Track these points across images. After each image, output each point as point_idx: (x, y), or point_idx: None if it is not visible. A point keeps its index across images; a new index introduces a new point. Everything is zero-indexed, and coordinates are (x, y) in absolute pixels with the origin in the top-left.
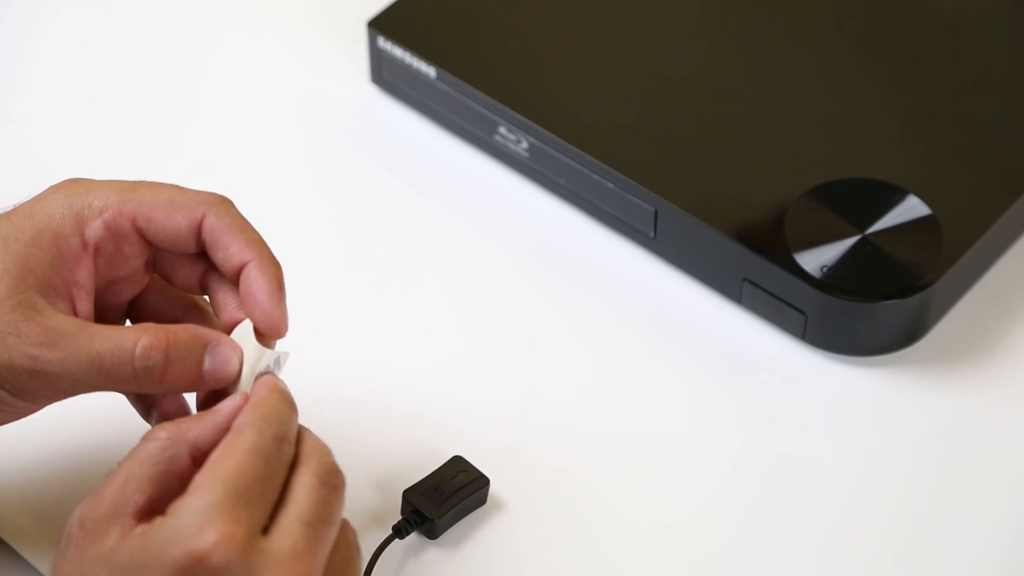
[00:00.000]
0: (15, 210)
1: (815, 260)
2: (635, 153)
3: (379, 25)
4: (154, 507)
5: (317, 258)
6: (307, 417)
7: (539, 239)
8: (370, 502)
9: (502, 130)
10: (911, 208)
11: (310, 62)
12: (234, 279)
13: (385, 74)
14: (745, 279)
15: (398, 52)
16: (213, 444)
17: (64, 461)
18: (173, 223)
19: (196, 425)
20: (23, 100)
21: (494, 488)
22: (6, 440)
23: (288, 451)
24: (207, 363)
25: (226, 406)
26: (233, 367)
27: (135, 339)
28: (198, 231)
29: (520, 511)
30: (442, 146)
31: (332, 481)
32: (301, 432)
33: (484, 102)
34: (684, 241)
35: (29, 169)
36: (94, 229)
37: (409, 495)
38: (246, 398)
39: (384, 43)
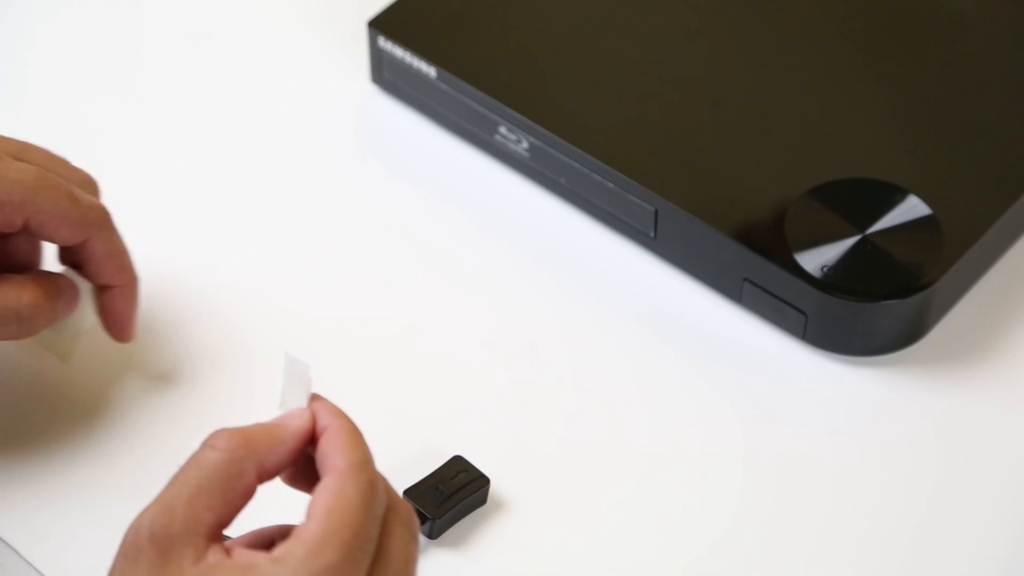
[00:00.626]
0: None
1: (815, 260)
2: (635, 153)
3: (379, 25)
4: (222, 524)
5: (317, 257)
6: None
7: (539, 239)
8: None
9: (502, 130)
10: (911, 208)
11: (310, 62)
12: (99, 286)
13: (385, 74)
14: (745, 279)
15: (398, 52)
16: (281, 466)
17: (64, 461)
18: (59, 235)
19: (265, 442)
20: (23, 100)
21: (494, 488)
22: (6, 440)
23: (382, 498)
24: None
25: (293, 426)
26: (126, 318)
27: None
28: (79, 245)
29: (520, 511)
30: (442, 146)
31: (416, 533)
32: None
33: (484, 102)
34: (684, 241)
35: None
36: None
37: (409, 495)
38: (309, 417)
39: (384, 43)
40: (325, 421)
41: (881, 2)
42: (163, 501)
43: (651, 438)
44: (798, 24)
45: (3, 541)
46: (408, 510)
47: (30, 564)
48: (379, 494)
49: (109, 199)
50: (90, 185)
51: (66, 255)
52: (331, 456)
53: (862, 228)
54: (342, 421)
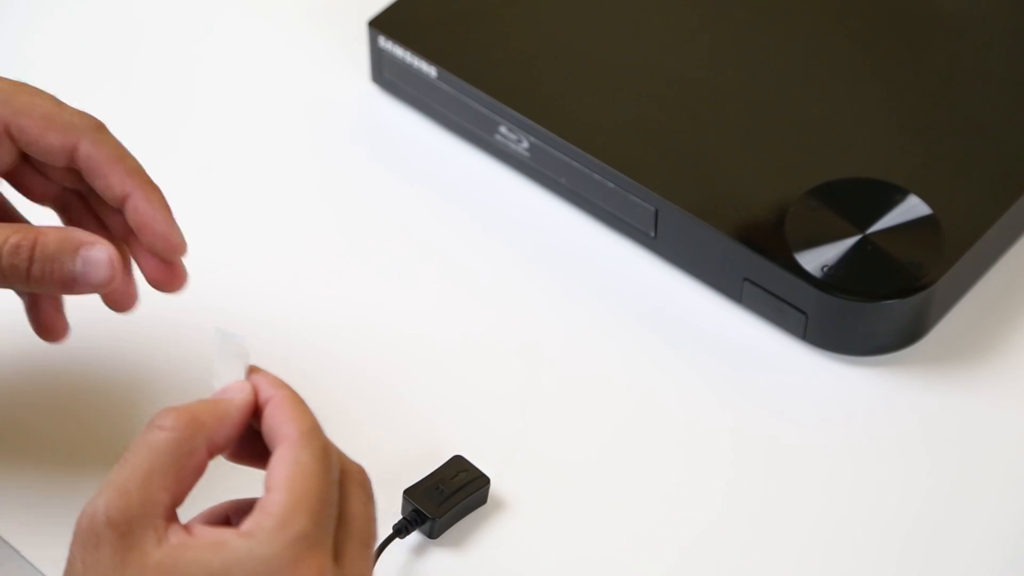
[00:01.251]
0: None
1: (816, 260)
2: (636, 152)
3: (380, 24)
4: (176, 503)
5: (317, 257)
6: None
7: (540, 238)
8: None
9: (503, 129)
10: (912, 208)
11: (311, 61)
12: (117, 206)
13: (386, 73)
14: (746, 279)
15: (399, 51)
16: (229, 440)
17: (64, 460)
18: (45, 140)
19: (213, 418)
20: None
21: (494, 488)
22: (6, 440)
23: (336, 462)
24: (78, 265)
25: (238, 399)
26: (104, 272)
27: (7, 234)
28: (71, 153)
29: (520, 511)
30: (442, 145)
31: (371, 493)
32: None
33: (485, 101)
34: (685, 240)
35: None
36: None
37: (409, 494)
38: (251, 390)
39: (385, 42)
40: (267, 392)
41: (881, 2)
42: (116, 485)
43: (651, 437)
44: (798, 24)
45: (3, 541)
46: (361, 471)
47: (30, 564)
48: (333, 459)
49: None
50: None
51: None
52: (281, 426)
53: (862, 228)
54: (285, 391)
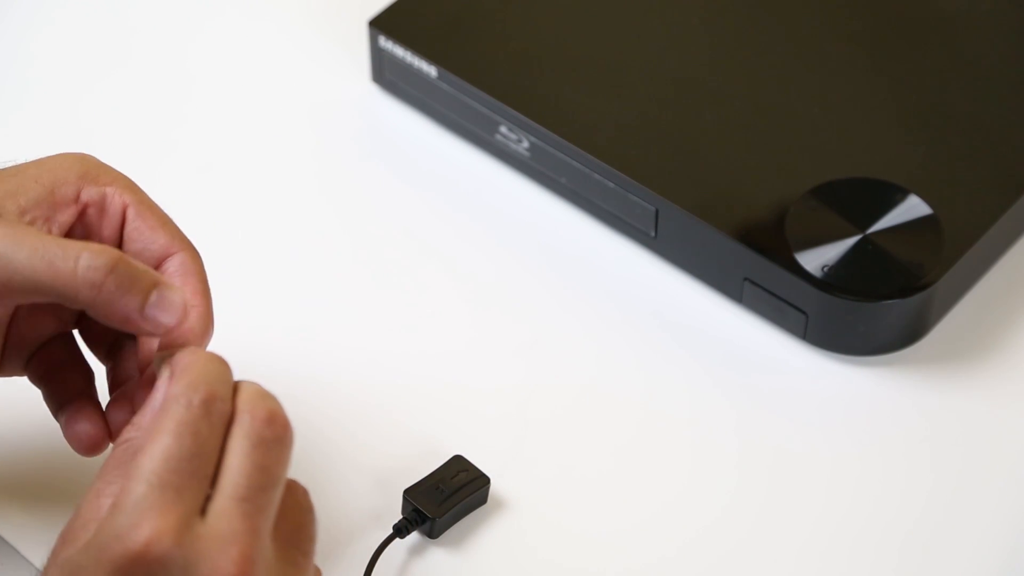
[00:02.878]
0: (23, 167)
1: (816, 260)
2: (636, 152)
3: (380, 24)
4: None
5: (317, 257)
6: (307, 417)
7: (540, 238)
8: (370, 502)
9: (503, 129)
10: (912, 208)
11: (311, 61)
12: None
13: (386, 73)
14: (746, 279)
15: (399, 51)
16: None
17: (64, 460)
18: (153, 234)
19: (146, 413)
20: (23, 100)
21: (494, 487)
22: (6, 440)
23: (223, 410)
24: (153, 298)
25: (163, 384)
26: (174, 318)
27: (85, 245)
28: (160, 252)
29: (520, 511)
30: (443, 145)
31: (267, 437)
32: (238, 386)
33: (485, 101)
34: (685, 240)
35: None
36: (92, 192)
37: (409, 494)
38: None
39: (385, 42)
40: (180, 362)
41: (881, 2)
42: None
43: (651, 438)
44: (799, 24)
45: (3, 541)
46: (255, 415)
47: (31, 564)
48: (213, 408)
49: None
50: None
51: None
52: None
53: (863, 228)
54: (191, 357)
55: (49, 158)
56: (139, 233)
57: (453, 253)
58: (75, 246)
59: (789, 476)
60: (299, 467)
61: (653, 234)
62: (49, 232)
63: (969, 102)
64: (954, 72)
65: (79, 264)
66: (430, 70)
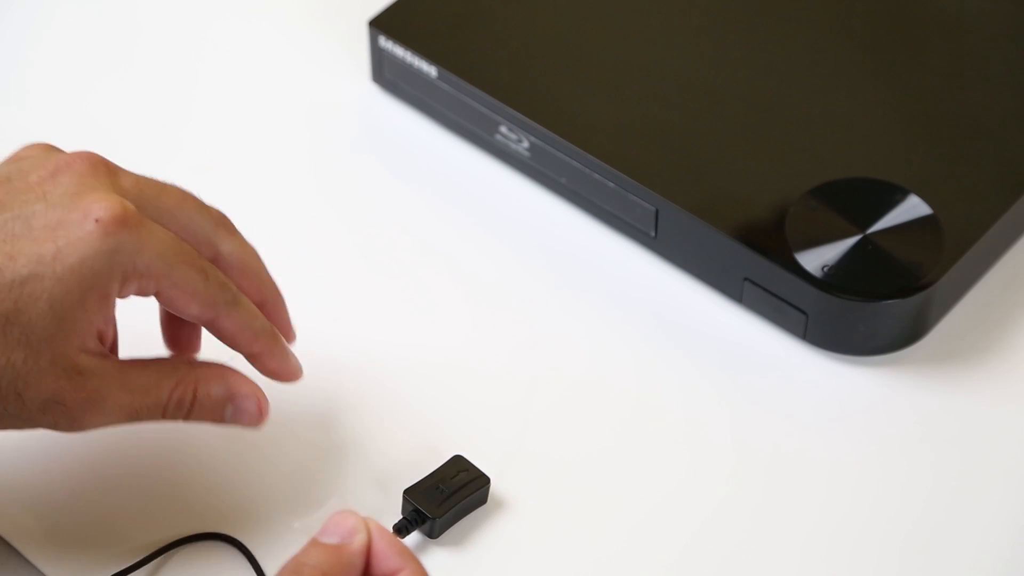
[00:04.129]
0: (49, 241)
1: (816, 260)
2: (636, 152)
3: (380, 24)
4: None
5: (317, 257)
6: (307, 417)
7: (540, 238)
8: (370, 501)
9: (503, 129)
10: (912, 208)
11: (311, 61)
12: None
13: (386, 73)
14: (746, 278)
15: (399, 51)
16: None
17: (65, 460)
18: (187, 311)
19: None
20: (23, 101)
21: (495, 487)
22: (6, 440)
23: None
24: (228, 413)
25: (356, 544)
26: (251, 420)
27: (170, 389)
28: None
29: (521, 510)
30: (443, 145)
31: None
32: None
33: (485, 101)
34: (685, 240)
35: None
36: (131, 289)
37: (410, 494)
38: (365, 530)
39: (385, 42)
40: (395, 562)
41: (881, 2)
42: None
43: (651, 437)
44: (798, 24)
45: (3, 541)
46: None
47: (31, 563)
48: None
49: None
50: (224, 223)
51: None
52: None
53: (863, 228)
54: (416, 566)
55: (80, 253)
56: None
57: (453, 253)
58: (161, 395)
59: (789, 476)
60: (298, 467)
61: (653, 234)
62: (106, 336)
63: (969, 102)
64: (954, 72)
65: (166, 413)
66: (430, 70)
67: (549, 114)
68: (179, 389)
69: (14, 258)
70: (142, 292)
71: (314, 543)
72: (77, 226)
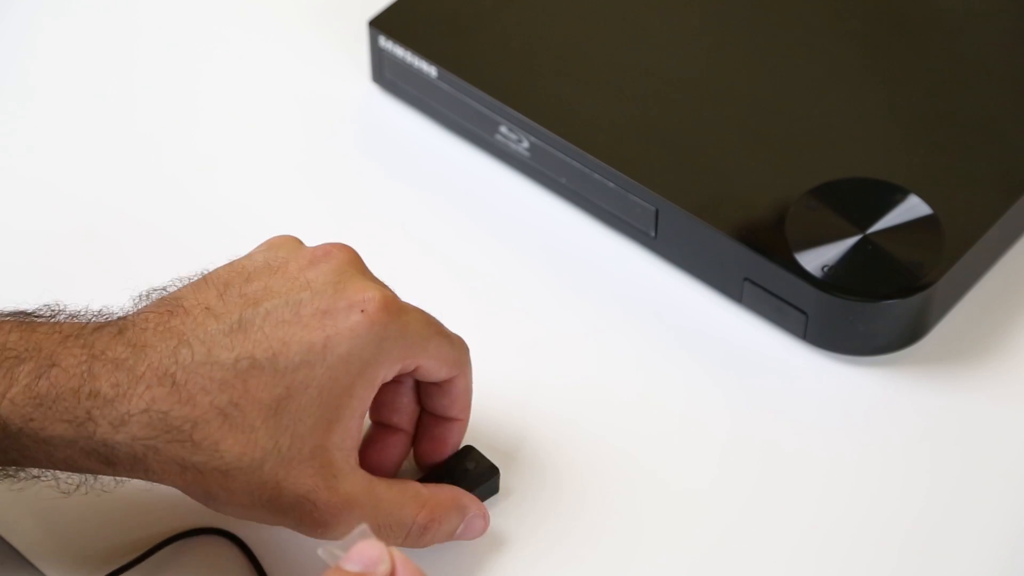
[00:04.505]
0: (329, 341)
1: (816, 259)
2: (636, 152)
3: (380, 24)
4: None
5: None
6: None
7: (540, 238)
8: None
9: (503, 129)
10: (912, 208)
11: (311, 61)
12: (442, 416)
13: (386, 73)
14: (746, 278)
15: (399, 51)
16: None
17: None
18: (438, 375)
19: None
20: (23, 101)
21: (500, 483)
22: None
23: None
24: (459, 529)
25: (380, 573)
26: (478, 533)
27: (414, 515)
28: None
29: (521, 510)
30: (443, 145)
31: None
32: None
33: (485, 101)
34: (685, 240)
35: (30, 171)
36: (396, 372)
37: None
38: (388, 560)
39: (385, 42)
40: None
41: (881, 2)
42: None
43: (651, 436)
44: (799, 24)
45: (3, 541)
46: None
47: (31, 564)
48: None
49: (111, 199)
50: None
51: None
52: None
53: (863, 228)
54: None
55: (361, 352)
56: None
57: (453, 253)
58: (405, 517)
59: (789, 476)
60: None
61: (653, 234)
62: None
63: (969, 102)
64: (954, 72)
65: (407, 536)
66: (430, 70)
67: (549, 114)
68: (423, 515)
69: (287, 344)
70: (405, 371)
71: (337, 570)
72: (344, 316)
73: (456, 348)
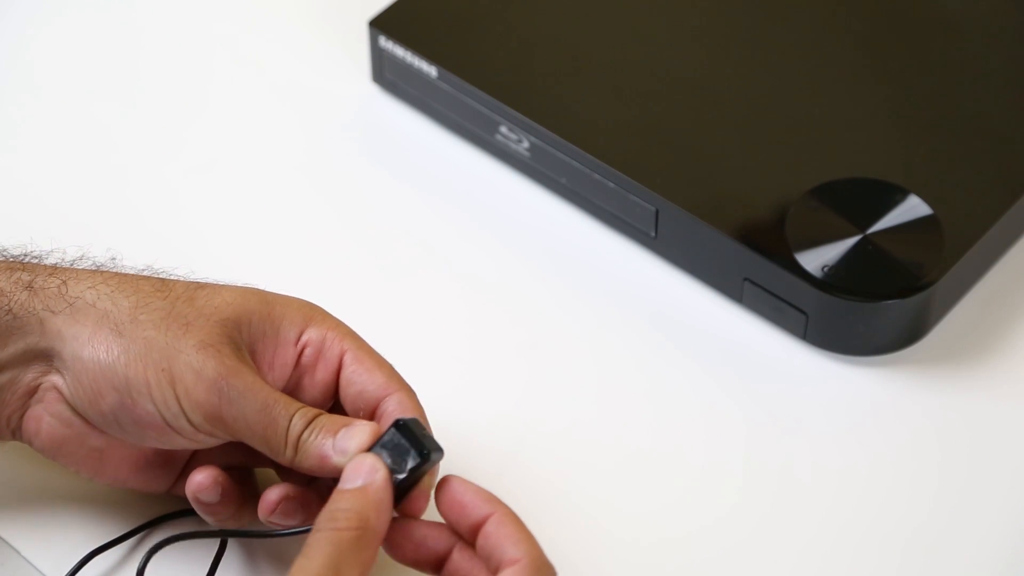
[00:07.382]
0: (247, 296)
1: (816, 260)
2: (636, 152)
3: (380, 24)
4: None
5: (317, 257)
6: None
7: (540, 239)
8: None
9: (503, 129)
10: (912, 208)
11: (311, 61)
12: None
13: (386, 73)
14: (746, 279)
15: (399, 51)
16: (386, 526)
17: None
18: (371, 375)
19: (375, 511)
20: (23, 101)
21: (494, 487)
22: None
23: None
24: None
25: (379, 481)
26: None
27: (299, 405)
28: (378, 392)
29: (521, 510)
30: (443, 145)
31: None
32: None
33: (485, 101)
34: (685, 241)
35: (30, 170)
36: (313, 335)
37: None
38: (383, 468)
39: (385, 42)
40: (484, 508)
41: (881, 2)
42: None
43: (651, 436)
44: (799, 24)
45: (3, 541)
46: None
47: (30, 564)
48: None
49: (111, 200)
50: None
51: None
52: (507, 549)
53: (863, 228)
54: (504, 508)
55: (277, 297)
56: (357, 376)
57: (453, 253)
58: (290, 407)
59: (788, 476)
60: None
61: (653, 234)
62: (271, 368)
63: (969, 102)
64: (954, 73)
65: (292, 426)
66: (430, 70)
67: (549, 114)
68: (304, 414)
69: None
70: (326, 351)
71: (339, 492)
72: None
73: (390, 369)
